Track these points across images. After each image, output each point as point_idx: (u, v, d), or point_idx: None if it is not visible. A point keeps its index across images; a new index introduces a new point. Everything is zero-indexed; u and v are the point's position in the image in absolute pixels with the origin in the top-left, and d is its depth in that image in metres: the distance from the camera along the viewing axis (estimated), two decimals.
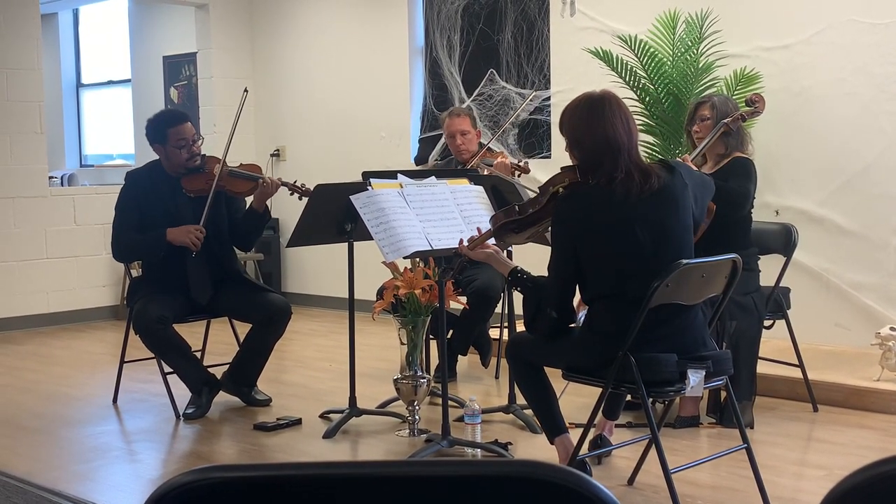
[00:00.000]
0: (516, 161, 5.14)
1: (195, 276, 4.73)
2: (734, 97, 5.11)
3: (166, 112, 5.00)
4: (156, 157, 4.88)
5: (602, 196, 3.18)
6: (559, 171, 3.33)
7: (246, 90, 4.87)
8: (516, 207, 3.40)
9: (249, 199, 4.87)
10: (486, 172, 4.98)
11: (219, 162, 4.76)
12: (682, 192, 3.25)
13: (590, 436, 3.71)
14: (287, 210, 7.81)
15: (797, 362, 4.60)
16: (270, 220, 4.85)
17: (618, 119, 3.19)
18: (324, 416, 4.68)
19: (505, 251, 3.65)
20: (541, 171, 6.29)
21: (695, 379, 3.19)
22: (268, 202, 4.85)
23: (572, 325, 3.40)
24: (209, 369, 4.86)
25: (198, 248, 4.65)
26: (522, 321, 3.42)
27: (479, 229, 3.56)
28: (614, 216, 3.17)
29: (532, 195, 3.53)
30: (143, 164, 5.01)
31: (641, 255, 3.17)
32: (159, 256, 4.73)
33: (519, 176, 5.06)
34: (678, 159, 4.26)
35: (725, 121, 4.39)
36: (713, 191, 3.59)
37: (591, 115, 3.21)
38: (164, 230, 4.66)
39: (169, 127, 4.75)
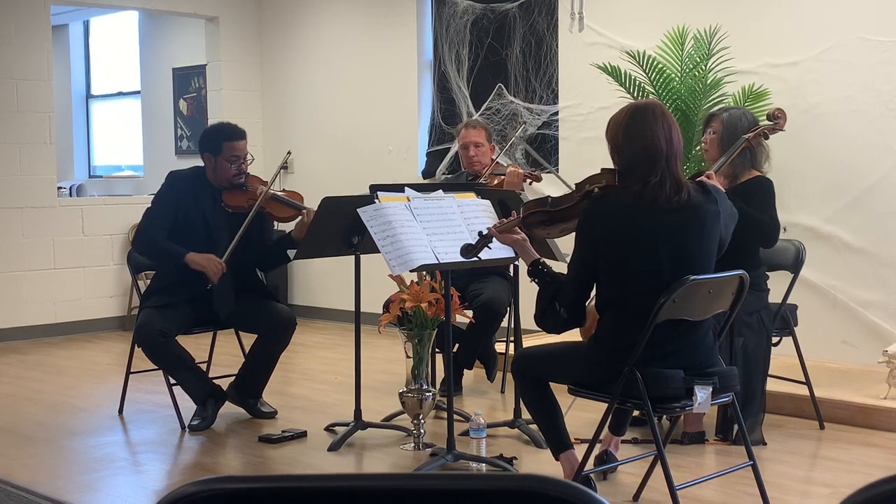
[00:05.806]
0: (529, 170, 5.17)
1: (220, 290, 4.72)
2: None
3: (226, 125, 4.98)
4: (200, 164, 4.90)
5: (632, 205, 3.17)
6: (600, 170, 3.30)
7: (289, 153, 5.02)
8: (549, 199, 3.35)
9: (281, 225, 4.91)
10: (495, 182, 5.01)
11: (262, 183, 4.85)
12: (713, 217, 3.23)
13: (595, 451, 3.70)
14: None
15: (804, 379, 4.58)
16: None
17: (659, 127, 3.18)
18: (329, 428, 4.67)
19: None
20: (548, 186, 6.29)
21: (702, 395, 3.18)
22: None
23: (579, 341, 3.39)
24: (215, 381, 4.86)
25: (214, 282, 4.66)
26: (533, 315, 3.36)
27: (513, 213, 3.49)
28: (641, 229, 3.15)
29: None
30: (188, 168, 5.02)
31: (659, 276, 3.14)
32: (170, 269, 4.74)
33: (531, 184, 5.12)
34: (703, 177, 4.18)
35: (747, 136, 4.20)
36: (736, 220, 3.46)
37: (633, 122, 3.21)
38: (186, 251, 4.66)
39: (225, 140, 4.77)
